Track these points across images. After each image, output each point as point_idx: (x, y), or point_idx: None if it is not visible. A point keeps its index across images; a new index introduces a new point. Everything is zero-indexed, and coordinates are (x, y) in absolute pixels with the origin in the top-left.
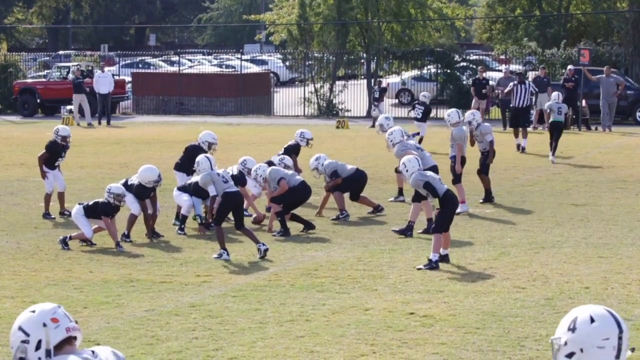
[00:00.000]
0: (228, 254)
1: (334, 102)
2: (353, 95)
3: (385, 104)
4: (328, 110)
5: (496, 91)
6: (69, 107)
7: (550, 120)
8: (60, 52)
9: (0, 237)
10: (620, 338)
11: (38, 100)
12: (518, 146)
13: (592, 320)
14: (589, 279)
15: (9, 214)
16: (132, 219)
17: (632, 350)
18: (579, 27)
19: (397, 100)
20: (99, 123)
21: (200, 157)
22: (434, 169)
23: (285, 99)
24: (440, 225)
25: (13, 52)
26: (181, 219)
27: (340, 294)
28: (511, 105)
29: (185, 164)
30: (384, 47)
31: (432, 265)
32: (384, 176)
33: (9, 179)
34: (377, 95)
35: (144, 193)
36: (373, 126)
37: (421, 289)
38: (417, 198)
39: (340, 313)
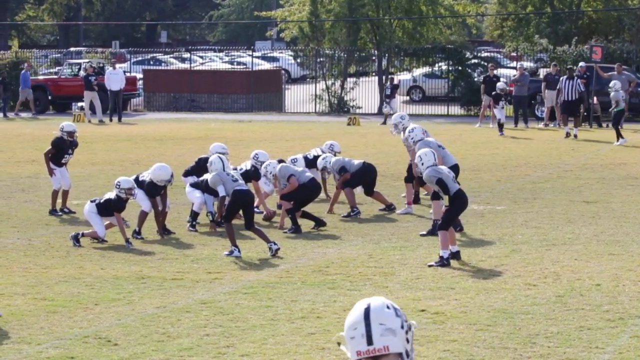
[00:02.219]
0: (239, 251)
1: (345, 99)
2: (364, 92)
3: (396, 100)
4: (339, 107)
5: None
6: (80, 103)
7: (618, 108)
8: (72, 49)
9: (11, 234)
10: (367, 325)
11: (49, 97)
12: (567, 134)
13: (350, 314)
14: (600, 276)
15: (20, 210)
16: (143, 215)
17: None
18: (590, 24)
19: (408, 97)
20: (110, 120)
21: (213, 157)
22: (455, 167)
23: (297, 96)
24: (445, 222)
25: (24, 49)
26: (192, 216)
27: (352, 291)
28: (562, 99)
29: (194, 173)
30: (395, 44)
31: (443, 262)
32: (396, 173)
33: (20, 175)
34: (388, 92)
35: (155, 191)
36: (384, 123)
37: (432, 286)
38: (436, 196)
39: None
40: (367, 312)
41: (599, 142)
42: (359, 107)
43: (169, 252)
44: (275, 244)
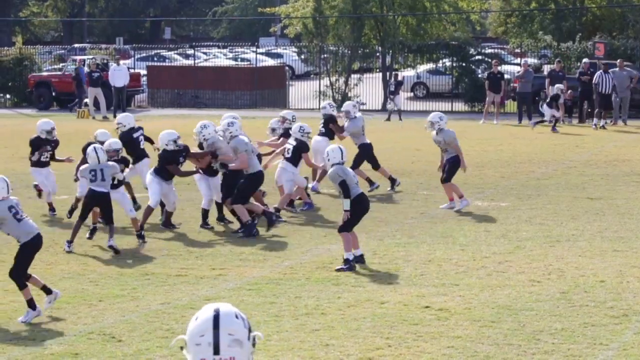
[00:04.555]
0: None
1: (349, 95)
2: (368, 89)
3: (400, 97)
4: (343, 103)
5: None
6: (84, 100)
7: None
8: (76, 45)
9: None
10: (216, 335)
11: (53, 94)
12: (595, 126)
13: (196, 318)
14: (605, 272)
15: (24, 207)
16: (148, 211)
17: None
18: (594, 21)
19: (412, 94)
20: (114, 116)
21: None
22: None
23: (301, 92)
24: (345, 225)
25: (28, 46)
26: (203, 214)
27: (356, 288)
28: (599, 91)
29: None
30: (399, 41)
31: (350, 265)
32: (399, 170)
33: (23, 172)
34: (392, 88)
35: (173, 157)
36: (388, 119)
37: (436, 282)
38: (448, 179)
39: (356, 306)
40: (216, 320)
41: (603, 138)
42: (363, 104)
43: (173, 248)
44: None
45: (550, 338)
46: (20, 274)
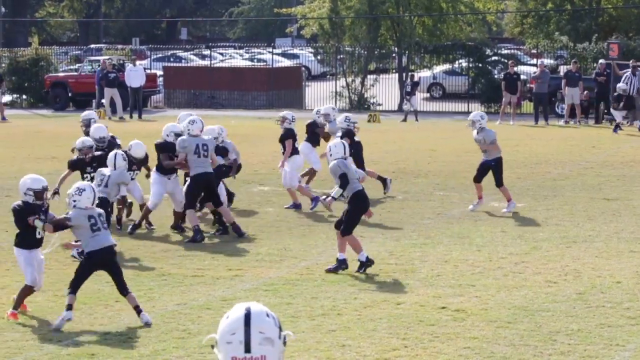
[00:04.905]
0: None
1: (365, 96)
2: (384, 89)
3: (417, 98)
4: (359, 104)
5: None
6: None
7: None
8: (92, 46)
9: None
10: (247, 333)
11: (69, 94)
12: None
13: (227, 316)
14: (621, 273)
15: None
16: (147, 212)
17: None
18: (610, 22)
19: (428, 94)
20: (131, 117)
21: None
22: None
23: (317, 92)
24: (349, 227)
25: (44, 46)
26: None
27: (372, 288)
28: (629, 93)
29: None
30: (416, 41)
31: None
32: (415, 171)
33: (40, 172)
34: (409, 89)
35: (167, 148)
36: (405, 120)
37: (453, 283)
38: (479, 178)
39: (372, 307)
40: (247, 319)
41: (619, 139)
42: (379, 104)
43: (190, 248)
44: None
45: (567, 339)
46: (76, 284)
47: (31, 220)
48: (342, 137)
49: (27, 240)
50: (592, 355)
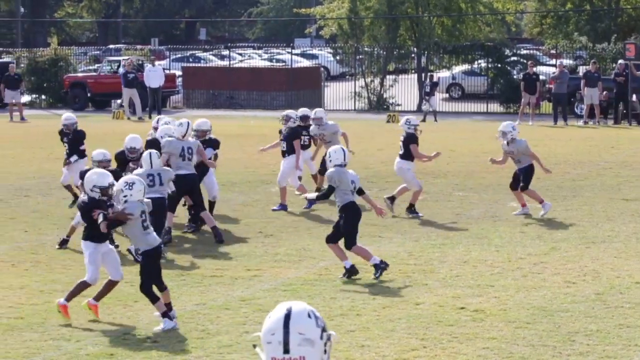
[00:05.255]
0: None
1: (384, 96)
2: (403, 90)
3: (436, 98)
4: (378, 104)
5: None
6: (119, 101)
7: None
8: (111, 46)
9: (51, 231)
10: (286, 334)
11: (88, 94)
12: None
13: (269, 316)
14: None
15: (60, 207)
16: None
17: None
18: (629, 22)
19: (447, 95)
20: (150, 117)
21: (145, 153)
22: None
23: (336, 93)
24: (350, 239)
25: (63, 46)
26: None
27: (391, 289)
28: None
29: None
30: (435, 42)
31: (349, 271)
32: (434, 171)
33: (58, 173)
34: (428, 89)
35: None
36: (424, 120)
37: (472, 283)
38: (515, 185)
39: (391, 307)
40: (286, 319)
41: (638, 139)
42: (398, 105)
43: (208, 248)
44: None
45: (586, 339)
46: (149, 287)
47: (95, 215)
48: (405, 142)
49: (94, 234)
50: (611, 355)
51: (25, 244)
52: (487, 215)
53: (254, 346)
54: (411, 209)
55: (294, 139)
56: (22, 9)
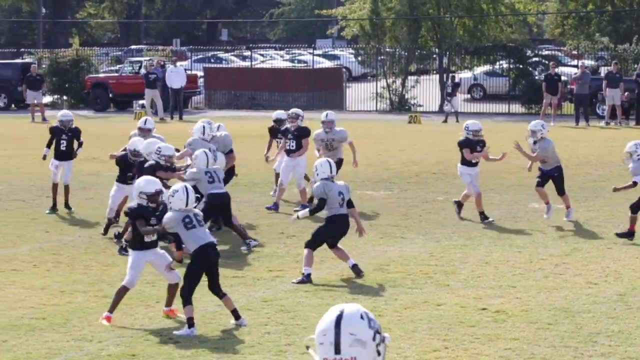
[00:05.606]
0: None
1: (406, 97)
2: (425, 91)
3: (457, 99)
4: (400, 105)
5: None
6: (141, 101)
7: None
8: (132, 47)
9: (72, 232)
10: (337, 334)
11: (110, 95)
12: None
13: (323, 318)
14: None
15: (81, 208)
16: None
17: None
18: None
19: (469, 96)
20: (171, 118)
21: (199, 152)
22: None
23: (358, 94)
24: (313, 241)
25: (85, 47)
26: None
27: (412, 289)
28: None
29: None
30: (456, 42)
31: (303, 280)
32: (456, 172)
33: (81, 173)
34: (449, 90)
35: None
36: (445, 121)
37: (493, 284)
38: (541, 183)
39: (412, 308)
40: (338, 320)
41: None
42: (420, 105)
43: (230, 249)
44: (254, 240)
45: (607, 340)
46: (188, 291)
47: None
48: (461, 146)
49: (139, 241)
50: (633, 356)
51: (46, 244)
52: (509, 216)
53: (307, 347)
54: (481, 216)
55: (303, 137)
56: (43, 10)
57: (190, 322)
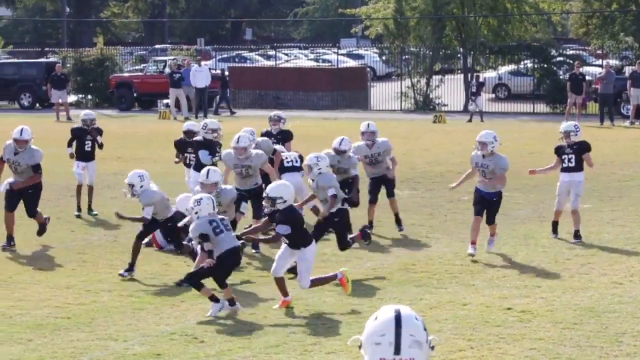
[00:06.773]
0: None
1: (430, 96)
2: (450, 90)
3: (482, 98)
4: (425, 104)
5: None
6: (165, 101)
7: None
8: (157, 46)
9: (97, 231)
10: (398, 335)
11: (134, 94)
12: None
13: (375, 318)
14: None
15: (106, 207)
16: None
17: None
18: None
19: (493, 95)
20: (196, 117)
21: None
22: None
23: (382, 93)
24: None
25: (109, 46)
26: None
27: (438, 289)
28: None
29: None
30: (481, 42)
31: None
32: None
33: (105, 172)
34: (474, 89)
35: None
36: (470, 121)
37: (519, 284)
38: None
39: (438, 308)
40: (398, 320)
41: None
42: (444, 105)
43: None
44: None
45: (633, 340)
46: (197, 280)
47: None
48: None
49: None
50: None
51: (72, 243)
52: (534, 215)
53: (359, 347)
54: (575, 235)
55: (286, 141)
56: (67, 9)
57: (214, 298)
